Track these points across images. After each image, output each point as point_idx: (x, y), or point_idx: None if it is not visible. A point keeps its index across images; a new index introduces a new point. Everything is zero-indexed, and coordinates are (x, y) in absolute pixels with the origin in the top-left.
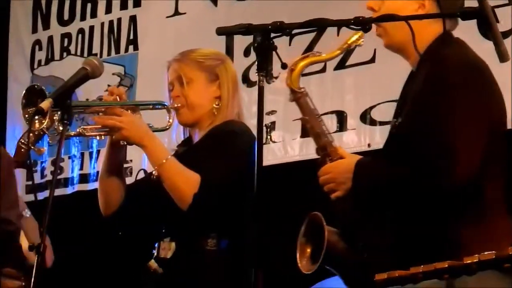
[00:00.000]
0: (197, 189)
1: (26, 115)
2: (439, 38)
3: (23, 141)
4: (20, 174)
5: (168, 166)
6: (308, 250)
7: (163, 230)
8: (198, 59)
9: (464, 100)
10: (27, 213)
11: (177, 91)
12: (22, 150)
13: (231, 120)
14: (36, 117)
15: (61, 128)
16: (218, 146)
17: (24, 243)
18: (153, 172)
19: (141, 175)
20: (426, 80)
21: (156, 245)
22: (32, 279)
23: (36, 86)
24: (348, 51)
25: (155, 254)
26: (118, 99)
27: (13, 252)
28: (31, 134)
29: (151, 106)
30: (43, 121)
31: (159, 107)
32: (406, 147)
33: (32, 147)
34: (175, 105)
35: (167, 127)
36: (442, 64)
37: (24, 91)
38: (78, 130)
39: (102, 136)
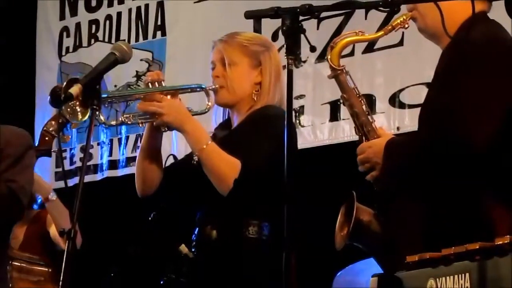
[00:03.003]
0: (238, 174)
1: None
2: (470, 19)
3: (46, 129)
4: (49, 161)
5: (209, 151)
6: (346, 228)
7: (203, 217)
8: (244, 43)
9: (482, 76)
10: (53, 196)
11: (218, 71)
12: (47, 138)
13: (271, 105)
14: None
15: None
16: (257, 131)
17: (52, 229)
18: (194, 157)
19: (171, 160)
20: (450, 56)
21: (196, 231)
22: (63, 264)
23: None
24: None
25: (195, 240)
26: (157, 85)
27: (18, 210)
28: (54, 122)
29: (189, 90)
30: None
31: (198, 89)
32: (428, 120)
33: (57, 135)
34: (214, 86)
35: (207, 110)
36: (466, 41)
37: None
38: (120, 119)
39: (143, 124)
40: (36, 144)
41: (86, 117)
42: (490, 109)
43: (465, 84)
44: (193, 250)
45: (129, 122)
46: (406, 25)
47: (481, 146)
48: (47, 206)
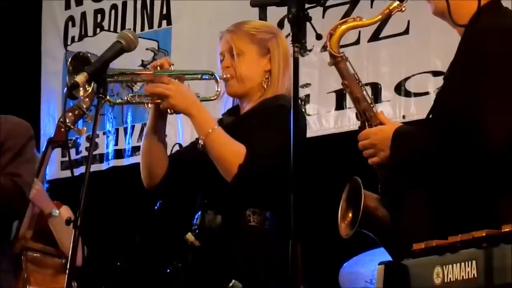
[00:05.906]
0: (243, 160)
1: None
2: (483, 7)
3: (62, 120)
4: (55, 151)
5: (215, 136)
6: (350, 215)
7: (205, 201)
8: (251, 31)
9: (499, 68)
10: (55, 212)
11: (227, 62)
12: (62, 130)
13: (282, 95)
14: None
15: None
16: (266, 119)
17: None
18: (199, 142)
19: (176, 149)
20: (465, 48)
21: (196, 216)
22: (70, 252)
23: (81, 53)
24: (382, 22)
25: (198, 225)
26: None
27: (23, 205)
28: (70, 114)
29: (199, 76)
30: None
31: (207, 77)
32: (443, 114)
33: (72, 127)
34: (224, 76)
35: (215, 96)
36: (480, 32)
37: (70, 59)
38: (126, 98)
39: (149, 105)
40: (52, 136)
41: (88, 104)
42: (508, 103)
43: (482, 79)
44: (196, 232)
45: (134, 102)
46: (403, 8)
47: (500, 142)
48: (49, 221)
